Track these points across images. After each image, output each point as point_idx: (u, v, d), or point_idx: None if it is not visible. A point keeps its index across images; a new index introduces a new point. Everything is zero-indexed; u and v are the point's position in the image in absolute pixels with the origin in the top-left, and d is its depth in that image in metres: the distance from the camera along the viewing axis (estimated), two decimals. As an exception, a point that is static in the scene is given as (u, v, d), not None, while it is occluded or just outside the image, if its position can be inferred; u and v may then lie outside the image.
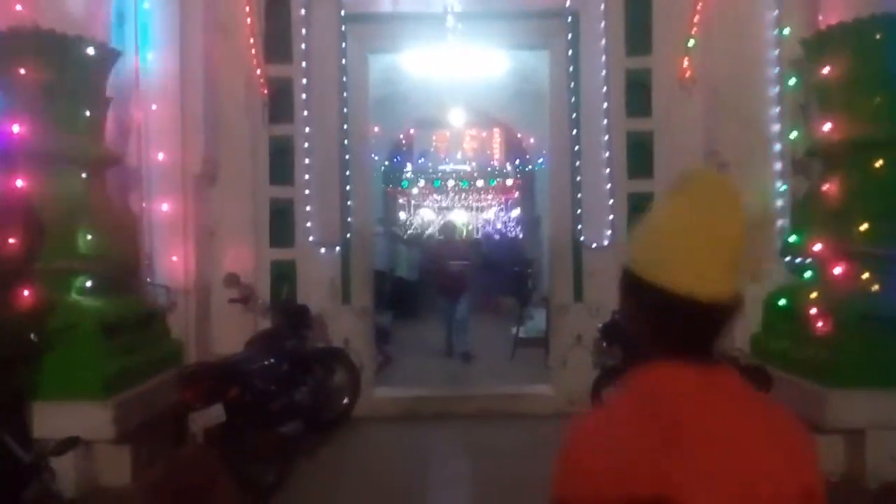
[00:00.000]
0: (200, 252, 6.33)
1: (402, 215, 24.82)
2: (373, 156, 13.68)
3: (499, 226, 27.46)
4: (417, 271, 14.59)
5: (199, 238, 6.31)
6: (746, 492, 0.95)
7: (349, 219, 6.76)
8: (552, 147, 7.04)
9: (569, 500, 1.01)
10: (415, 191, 19.36)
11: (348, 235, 6.75)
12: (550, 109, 6.94)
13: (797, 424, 1.09)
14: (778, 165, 6.04)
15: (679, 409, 0.99)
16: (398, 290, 14.30)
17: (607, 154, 6.68)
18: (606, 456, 0.98)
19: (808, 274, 5.39)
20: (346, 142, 6.74)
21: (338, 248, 6.75)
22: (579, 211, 6.73)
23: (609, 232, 6.69)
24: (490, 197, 23.67)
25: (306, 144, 6.69)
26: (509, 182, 18.95)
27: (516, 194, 19.90)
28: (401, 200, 20.61)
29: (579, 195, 6.73)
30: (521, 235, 24.00)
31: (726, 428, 0.98)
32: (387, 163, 14.36)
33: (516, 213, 25.63)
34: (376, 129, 9.61)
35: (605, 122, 6.68)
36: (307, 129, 6.69)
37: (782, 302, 5.53)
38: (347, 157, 6.76)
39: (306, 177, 6.69)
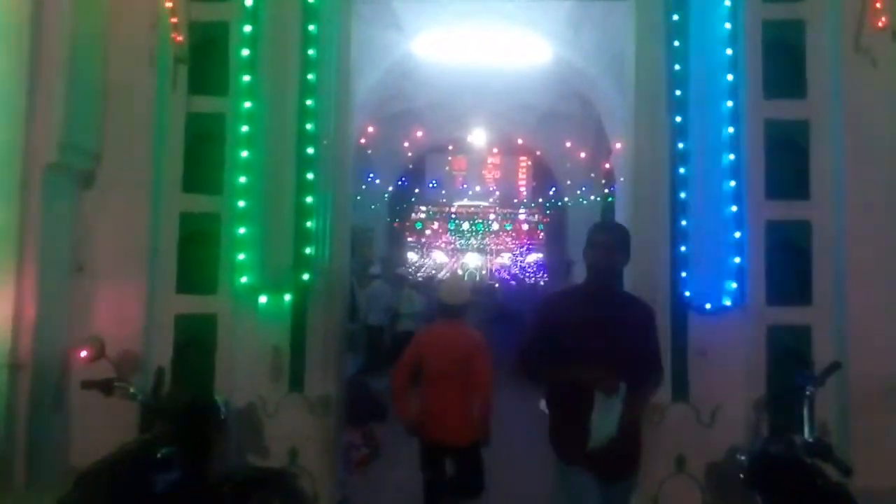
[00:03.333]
0: (49, 296, 3.75)
1: (412, 256, 22.49)
2: (372, 177, 11.28)
3: (514, 271, 24.87)
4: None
5: (47, 272, 3.74)
6: (448, 354, 3.97)
7: (308, 250, 4.16)
8: (636, 147, 4.44)
9: (401, 361, 4.20)
10: (428, 231, 16.92)
11: (306, 277, 4.15)
12: (637, 87, 4.36)
13: (472, 333, 4.16)
14: None
15: (430, 332, 4.36)
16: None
17: (732, 158, 4.09)
18: (414, 341, 4.30)
19: None
20: (309, 127, 4.20)
21: (288, 297, 4.15)
22: (683, 249, 4.10)
23: (734, 285, 4.04)
24: (510, 240, 21.17)
25: (245, 129, 4.17)
26: (525, 226, 16.42)
27: (541, 235, 17.35)
28: (410, 239, 18.17)
29: (683, 223, 4.12)
30: (542, 283, 21.45)
31: (444, 337, 4.10)
32: (391, 189, 11.90)
33: (534, 258, 23.06)
34: (370, 129, 7.18)
35: (730, 106, 4.10)
36: (248, 106, 4.17)
37: None
38: (311, 151, 4.21)
39: (243, 180, 4.15)
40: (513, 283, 23.50)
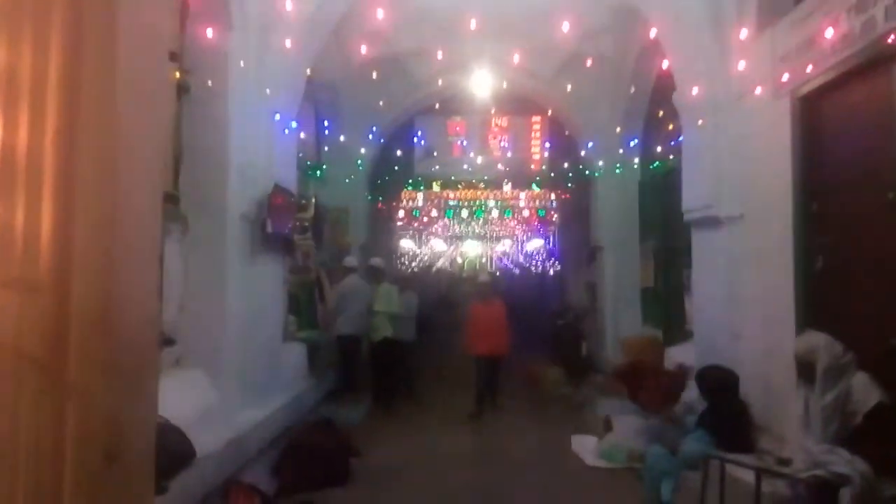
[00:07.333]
0: None
1: (405, 244, 19.60)
2: (328, 128, 8.29)
3: (517, 259, 21.87)
4: (415, 331, 9.20)
5: None
6: (489, 316, 8.32)
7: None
8: None
9: (468, 323, 8.53)
10: (419, 213, 14.10)
11: None
12: None
13: (501, 303, 8.59)
14: None
15: (476, 304, 8.54)
16: (385, 357, 8.71)
17: None
18: (471, 309, 8.71)
19: None
20: None
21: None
22: None
23: None
24: (515, 223, 18.28)
25: None
26: (536, 208, 13.53)
27: (555, 217, 14.47)
28: (399, 223, 15.32)
29: None
30: (550, 273, 18.67)
31: (484, 306, 8.43)
32: (363, 151, 9.01)
33: (535, 244, 20.18)
34: (287, 42, 4.26)
35: None
36: None
37: None
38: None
39: None
40: (515, 270, 20.43)
